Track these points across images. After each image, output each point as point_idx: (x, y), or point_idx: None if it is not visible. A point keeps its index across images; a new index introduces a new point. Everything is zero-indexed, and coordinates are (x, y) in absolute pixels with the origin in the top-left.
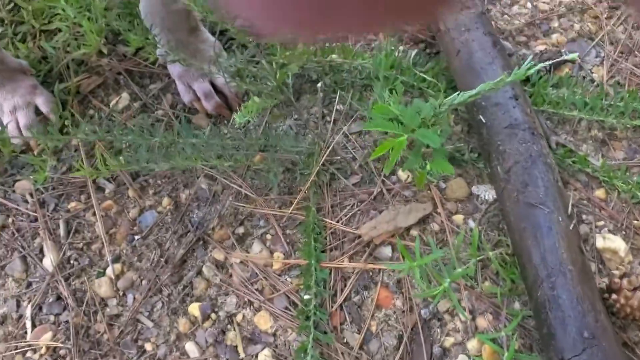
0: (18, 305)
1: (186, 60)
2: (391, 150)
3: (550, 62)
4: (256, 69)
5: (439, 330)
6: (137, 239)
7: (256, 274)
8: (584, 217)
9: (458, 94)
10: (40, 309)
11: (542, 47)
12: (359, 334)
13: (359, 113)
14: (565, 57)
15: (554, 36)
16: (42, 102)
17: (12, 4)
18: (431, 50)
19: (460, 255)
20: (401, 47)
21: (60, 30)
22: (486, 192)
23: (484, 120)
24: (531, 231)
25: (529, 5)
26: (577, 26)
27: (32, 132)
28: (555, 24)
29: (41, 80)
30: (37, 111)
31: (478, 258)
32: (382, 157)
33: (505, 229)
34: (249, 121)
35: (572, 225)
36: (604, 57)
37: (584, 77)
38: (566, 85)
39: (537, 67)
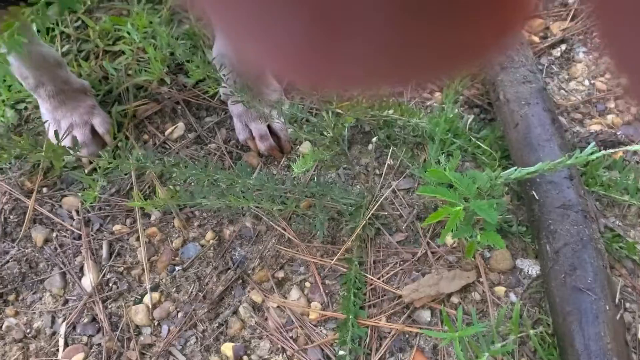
0: (53, 322)
1: (249, 103)
2: (448, 219)
3: (614, 150)
4: (316, 120)
5: None
6: (178, 270)
7: (292, 321)
8: (627, 305)
9: (515, 169)
10: (74, 328)
11: (597, 127)
12: None
13: (409, 170)
14: (628, 148)
15: (610, 117)
16: (98, 122)
17: (79, 22)
18: (486, 116)
19: (499, 328)
20: (456, 110)
21: (123, 53)
22: (530, 267)
23: (536, 197)
24: (576, 316)
25: (586, 82)
26: (633, 109)
27: (103, 154)
28: (612, 104)
29: (99, 100)
30: (93, 130)
31: (518, 335)
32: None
33: (547, 308)
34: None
35: (619, 316)
36: None
37: (637, 162)
38: (619, 168)
39: (599, 154)
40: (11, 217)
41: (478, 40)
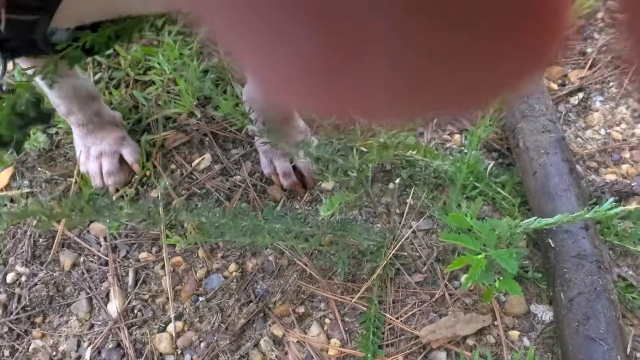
0: (78, 345)
1: (276, 144)
2: (470, 267)
3: (629, 206)
4: (341, 161)
5: None
6: (201, 300)
7: (312, 356)
8: (638, 355)
9: (535, 219)
10: (99, 353)
11: (612, 177)
12: None
13: (429, 211)
14: None
15: (625, 167)
16: (128, 152)
17: (111, 50)
18: (504, 160)
19: None
20: (474, 152)
21: (153, 83)
22: (544, 313)
23: (552, 245)
24: None
25: (602, 131)
26: None
27: (136, 212)
28: (627, 154)
29: (129, 129)
30: (121, 159)
31: None
32: (447, 259)
33: (560, 354)
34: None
35: None
36: None
37: None
38: (634, 219)
39: (617, 210)
40: (40, 240)
41: (500, 69)
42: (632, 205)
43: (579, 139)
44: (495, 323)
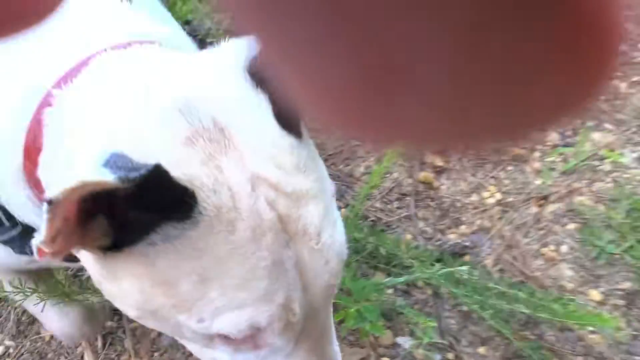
0: None
1: None
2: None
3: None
4: None
5: None
6: (156, 356)
7: None
8: None
9: (391, 279)
10: None
11: (453, 236)
12: None
13: None
14: (460, 268)
15: (462, 227)
16: None
17: None
18: (375, 227)
19: None
20: (352, 222)
21: None
22: (405, 342)
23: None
24: None
25: (448, 200)
26: (478, 222)
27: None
28: (464, 217)
29: None
30: None
31: None
32: (337, 308)
33: None
34: None
35: None
36: (493, 249)
37: (478, 263)
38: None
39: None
40: (23, 318)
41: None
42: (466, 257)
43: (430, 206)
44: (371, 353)
